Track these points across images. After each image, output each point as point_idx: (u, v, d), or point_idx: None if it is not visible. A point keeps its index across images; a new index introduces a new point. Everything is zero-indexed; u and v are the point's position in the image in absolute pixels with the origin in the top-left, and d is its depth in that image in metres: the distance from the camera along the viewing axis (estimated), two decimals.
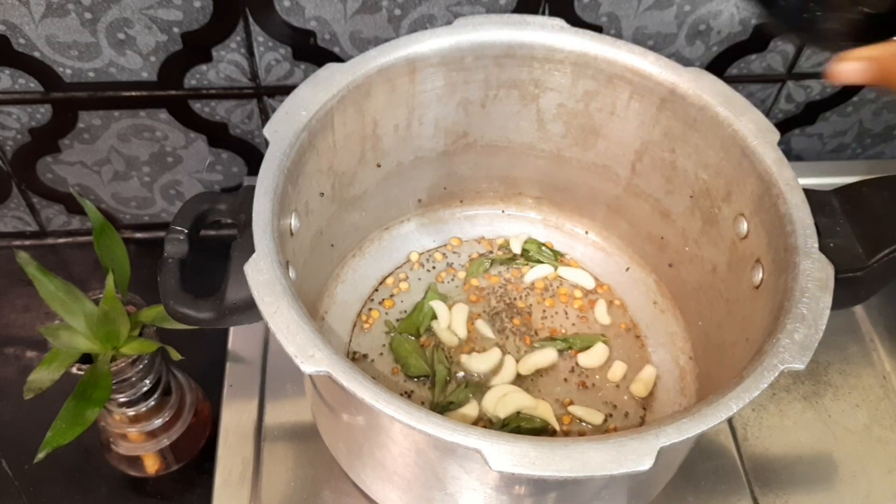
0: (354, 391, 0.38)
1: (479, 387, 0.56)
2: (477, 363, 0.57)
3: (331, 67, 0.51)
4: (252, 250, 0.43)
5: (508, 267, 0.64)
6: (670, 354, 0.59)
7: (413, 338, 0.59)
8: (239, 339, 0.62)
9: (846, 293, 0.47)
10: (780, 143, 0.49)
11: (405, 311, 0.61)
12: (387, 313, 0.60)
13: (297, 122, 0.48)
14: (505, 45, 0.54)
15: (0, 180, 0.69)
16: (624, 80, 0.54)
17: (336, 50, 0.62)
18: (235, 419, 0.58)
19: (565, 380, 0.58)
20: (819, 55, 0.68)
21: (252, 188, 0.45)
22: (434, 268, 0.63)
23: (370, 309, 0.61)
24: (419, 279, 0.63)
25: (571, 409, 0.56)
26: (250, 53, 0.61)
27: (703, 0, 0.62)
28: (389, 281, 0.62)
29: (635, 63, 0.53)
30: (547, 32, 0.54)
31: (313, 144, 0.50)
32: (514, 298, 0.62)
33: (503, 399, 0.55)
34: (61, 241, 0.75)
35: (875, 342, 0.65)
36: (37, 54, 0.59)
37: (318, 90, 0.50)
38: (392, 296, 0.61)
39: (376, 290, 0.62)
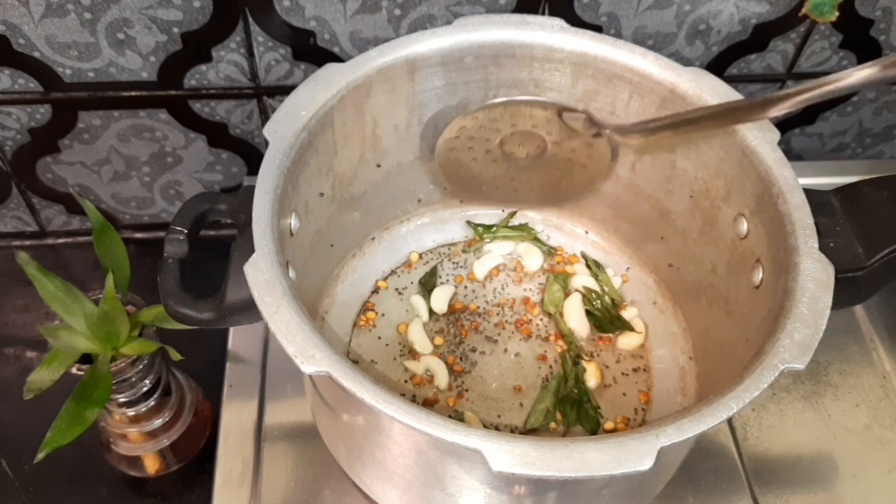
0: (354, 391, 0.38)
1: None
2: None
3: (331, 67, 0.51)
4: (252, 250, 0.43)
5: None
6: (670, 354, 0.59)
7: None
8: (239, 339, 0.62)
9: (846, 293, 0.47)
10: (780, 143, 0.49)
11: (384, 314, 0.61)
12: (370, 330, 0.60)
13: (297, 122, 0.48)
14: (505, 45, 0.54)
15: (0, 180, 0.69)
16: (624, 79, 0.54)
17: (336, 50, 0.62)
18: (235, 419, 0.58)
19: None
20: (818, 55, 0.68)
21: (252, 188, 0.45)
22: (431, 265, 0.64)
23: (369, 310, 0.61)
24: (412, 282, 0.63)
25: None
26: (250, 53, 0.61)
27: (703, 0, 0.62)
28: (381, 284, 0.62)
29: (635, 63, 0.53)
30: (547, 32, 0.54)
31: (313, 144, 0.50)
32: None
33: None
34: (61, 241, 0.75)
35: (875, 342, 0.65)
36: (36, 54, 0.59)
37: (317, 90, 0.50)
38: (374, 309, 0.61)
39: (376, 290, 0.62)
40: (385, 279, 0.63)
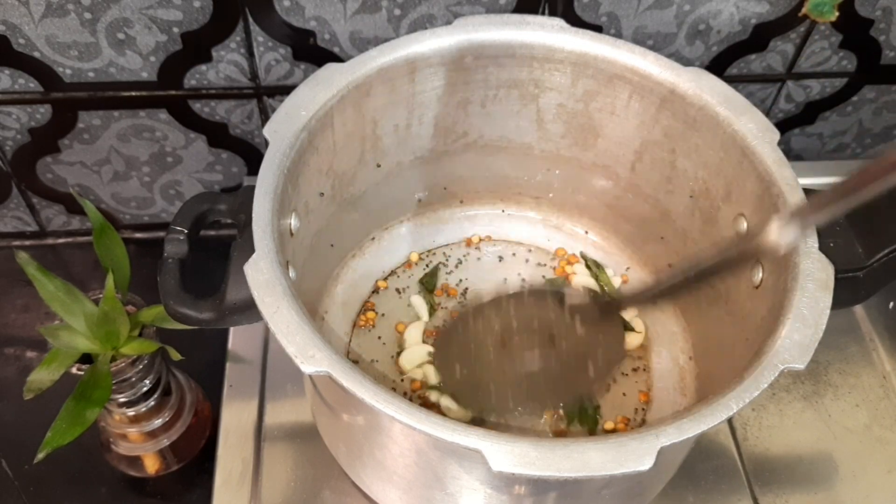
0: (354, 391, 0.38)
1: None
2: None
3: (331, 67, 0.51)
4: (252, 250, 0.43)
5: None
6: (670, 354, 0.59)
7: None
8: (239, 339, 0.62)
9: (846, 293, 0.47)
10: (780, 143, 0.49)
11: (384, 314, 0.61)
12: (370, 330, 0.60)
13: (297, 122, 0.48)
14: (505, 45, 0.54)
15: (0, 180, 0.69)
16: (624, 79, 0.54)
17: (336, 50, 0.62)
18: (235, 419, 0.58)
19: None
20: (818, 55, 0.68)
21: (252, 188, 0.45)
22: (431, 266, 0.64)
23: (369, 310, 0.61)
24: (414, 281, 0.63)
25: None
26: (250, 53, 0.61)
27: (703, 0, 0.62)
28: (381, 284, 0.62)
29: (635, 63, 0.53)
30: (547, 32, 0.54)
31: (313, 144, 0.50)
32: None
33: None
34: (61, 241, 0.75)
35: (875, 342, 0.65)
36: (37, 54, 0.59)
37: (317, 90, 0.50)
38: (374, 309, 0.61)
39: (376, 290, 0.62)
40: (385, 279, 0.63)
